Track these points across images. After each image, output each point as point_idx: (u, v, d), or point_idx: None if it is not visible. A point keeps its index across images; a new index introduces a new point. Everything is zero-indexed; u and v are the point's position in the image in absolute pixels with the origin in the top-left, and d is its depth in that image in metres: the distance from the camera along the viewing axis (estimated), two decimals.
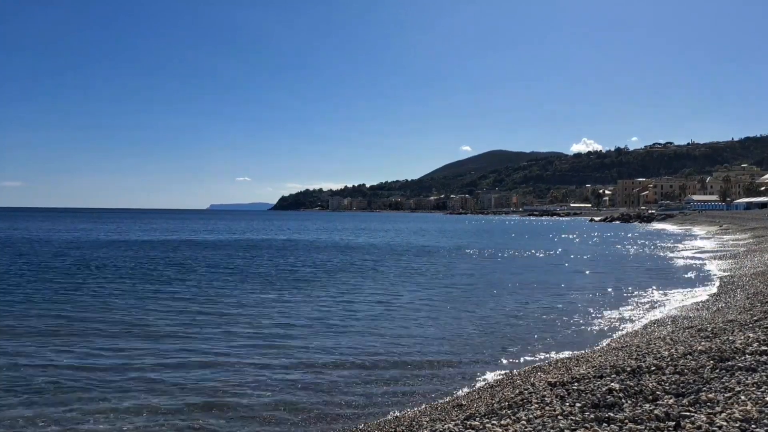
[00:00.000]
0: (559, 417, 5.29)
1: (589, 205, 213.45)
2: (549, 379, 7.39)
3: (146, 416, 7.57)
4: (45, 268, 24.81)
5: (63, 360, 10.13)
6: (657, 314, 14.25)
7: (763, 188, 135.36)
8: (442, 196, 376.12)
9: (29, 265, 25.97)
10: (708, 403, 5.11)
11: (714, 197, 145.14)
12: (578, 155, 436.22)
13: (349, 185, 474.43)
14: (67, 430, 7.14)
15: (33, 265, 26.32)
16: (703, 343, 8.01)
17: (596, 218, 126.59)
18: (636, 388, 5.93)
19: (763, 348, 6.85)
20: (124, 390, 8.55)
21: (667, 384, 5.97)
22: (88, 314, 14.37)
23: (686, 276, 22.43)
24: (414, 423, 7.01)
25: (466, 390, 8.66)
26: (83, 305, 15.68)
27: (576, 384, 6.66)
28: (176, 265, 27.02)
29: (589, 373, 7.28)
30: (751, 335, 7.82)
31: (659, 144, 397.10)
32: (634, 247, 41.82)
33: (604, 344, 11.13)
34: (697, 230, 64.11)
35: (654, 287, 19.31)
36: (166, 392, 8.47)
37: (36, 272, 23.40)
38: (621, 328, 12.81)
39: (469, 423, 5.51)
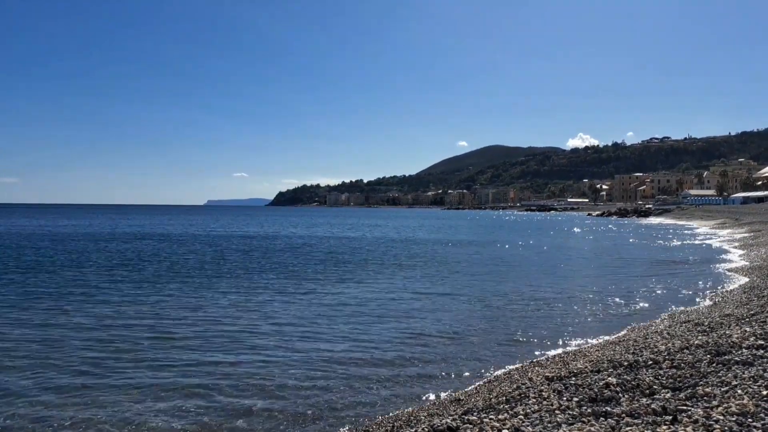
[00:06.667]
0: (557, 411, 5.30)
1: (587, 200, 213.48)
2: (546, 374, 7.41)
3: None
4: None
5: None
6: (653, 308, 14.29)
7: (759, 183, 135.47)
8: (440, 191, 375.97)
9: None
10: (705, 398, 5.12)
11: (711, 192, 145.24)
12: (575, 150, 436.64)
13: (347, 181, 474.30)
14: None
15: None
16: (699, 338, 8.03)
17: (593, 213, 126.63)
18: (633, 383, 5.94)
19: (760, 342, 6.87)
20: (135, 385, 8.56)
21: (664, 378, 5.99)
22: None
23: (682, 269, 22.48)
24: (412, 418, 7.02)
25: (463, 385, 8.67)
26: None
27: (573, 379, 6.67)
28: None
29: (586, 367, 7.29)
30: (747, 329, 7.85)
31: (656, 139, 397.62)
32: (631, 241, 41.90)
33: (602, 339, 11.16)
34: (694, 224, 64.24)
35: (650, 281, 19.34)
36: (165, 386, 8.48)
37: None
38: (618, 322, 12.84)
39: (466, 417, 5.52)
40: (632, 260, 27.54)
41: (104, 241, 41.34)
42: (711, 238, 40.54)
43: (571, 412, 5.23)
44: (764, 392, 4.98)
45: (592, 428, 4.73)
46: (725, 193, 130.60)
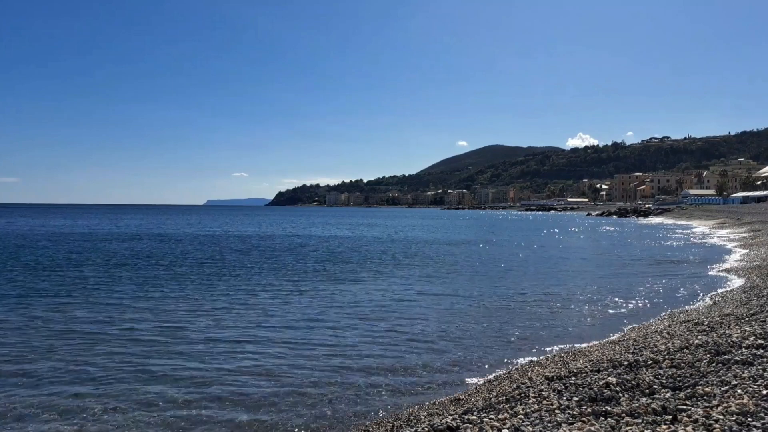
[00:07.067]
0: (557, 411, 5.30)
1: (586, 200, 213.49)
2: (546, 374, 7.41)
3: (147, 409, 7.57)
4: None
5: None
6: (653, 308, 14.29)
7: (759, 182, 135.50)
8: (440, 191, 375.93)
9: None
10: (705, 397, 5.12)
11: (711, 191, 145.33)
12: (575, 150, 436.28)
13: (346, 180, 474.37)
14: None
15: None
16: (699, 337, 8.03)
17: (593, 213, 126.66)
18: (633, 382, 5.94)
19: (760, 341, 6.88)
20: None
21: (663, 378, 5.99)
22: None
23: (682, 269, 22.49)
24: (412, 417, 7.02)
25: (463, 384, 8.67)
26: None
27: (573, 378, 6.68)
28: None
29: (586, 367, 7.29)
30: (747, 329, 7.85)
31: (656, 138, 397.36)
32: (631, 241, 41.90)
33: (601, 338, 11.15)
34: (694, 224, 64.26)
35: (649, 281, 19.35)
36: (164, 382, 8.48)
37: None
38: (618, 322, 12.84)
39: (466, 417, 5.51)
40: (632, 260, 27.55)
41: (103, 241, 41.34)
42: (711, 238, 40.55)
43: (571, 412, 5.23)
44: (764, 392, 4.98)
45: (592, 428, 4.73)
46: (725, 193, 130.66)
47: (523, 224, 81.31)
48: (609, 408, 5.19)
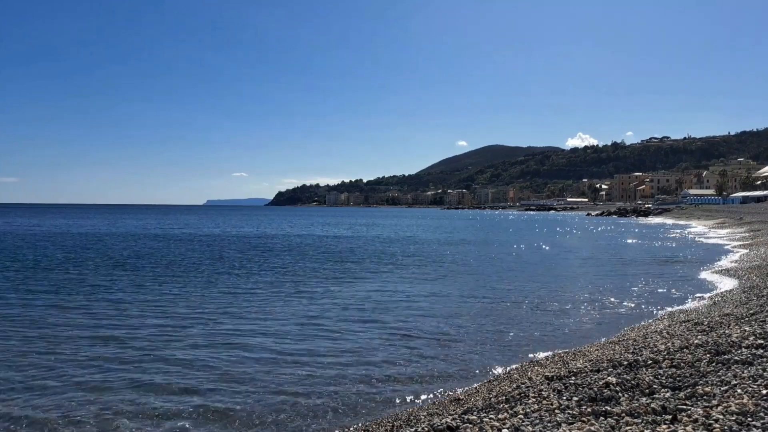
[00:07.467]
0: (557, 411, 5.30)
1: (586, 200, 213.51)
2: (546, 374, 7.41)
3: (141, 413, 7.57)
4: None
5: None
6: (652, 308, 14.29)
7: (759, 182, 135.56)
8: (439, 191, 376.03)
9: None
10: (704, 397, 5.12)
11: (710, 191, 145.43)
12: (575, 150, 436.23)
13: (346, 180, 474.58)
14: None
15: None
16: (699, 337, 8.03)
17: (593, 212, 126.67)
18: (633, 382, 5.94)
19: (760, 341, 6.87)
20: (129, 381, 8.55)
21: (663, 378, 5.98)
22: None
23: (681, 269, 22.49)
24: (412, 417, 7.02)
25: (463, 385, 8.67)
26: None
27: (573, 378, 6.67)
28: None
29: (586, 367, 7.29)
30: (747, 329, 7.84)
31: (656, 138, 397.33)
32: (630, 241, 41.92)
33: (601, 338, 11.15)
34: (693, 224, 64.28)
35: (649, 281, 19.35)
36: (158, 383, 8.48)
37: None
38: (617, 322, 12.84)
39: (466, 417, 5.51)
40: (631, 260, 27.56)
41: (102, 241, 41.31)
42: (710, 238, 40.56)
43: (570, 412, 5.23)
44: (764, 391, 4.98)
45: (592, 427, 4.72)
46: (724, 193, 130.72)
47: (523, 224, 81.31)
48: (609, 408, 5.18)
